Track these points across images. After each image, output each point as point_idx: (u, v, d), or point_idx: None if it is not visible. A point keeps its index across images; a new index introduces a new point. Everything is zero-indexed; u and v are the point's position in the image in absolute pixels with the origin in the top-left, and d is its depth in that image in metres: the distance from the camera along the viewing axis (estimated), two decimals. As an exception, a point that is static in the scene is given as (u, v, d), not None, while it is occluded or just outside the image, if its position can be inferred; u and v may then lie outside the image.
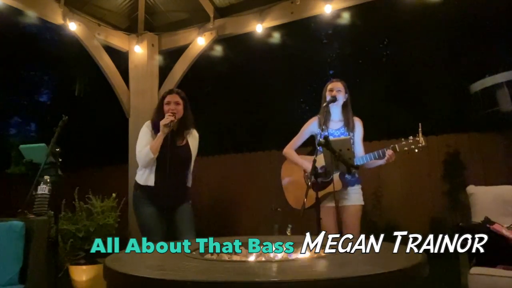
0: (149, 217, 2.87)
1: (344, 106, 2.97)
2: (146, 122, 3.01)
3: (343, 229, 2.89)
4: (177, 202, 2.93)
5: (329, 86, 2.96)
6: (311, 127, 3.08)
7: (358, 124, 2.98)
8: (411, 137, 2.73)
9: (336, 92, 2.91)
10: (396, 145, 2.74)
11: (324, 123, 2.91)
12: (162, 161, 2.83)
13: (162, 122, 2.79)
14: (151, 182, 2.87)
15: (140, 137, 2.95)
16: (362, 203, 2.92)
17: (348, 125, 2.93)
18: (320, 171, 2.71)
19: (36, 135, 12.63)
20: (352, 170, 2.49)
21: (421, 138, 2.69)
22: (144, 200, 2.89)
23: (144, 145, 2.88)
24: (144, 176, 2.90)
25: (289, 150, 3.12)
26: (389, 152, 2.74)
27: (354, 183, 2.90)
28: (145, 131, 2.95)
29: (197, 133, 3.09)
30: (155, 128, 2.91)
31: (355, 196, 2.89)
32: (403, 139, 2.75)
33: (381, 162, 2.84)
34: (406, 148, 2.73)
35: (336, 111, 2.97)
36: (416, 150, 2.71)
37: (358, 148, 2.93)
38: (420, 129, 2.69)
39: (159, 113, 2.91)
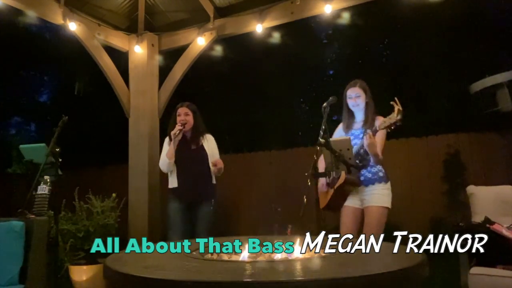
0: (172, 212, 3.37)
1: (366, 107, 2.92)
2: (166, 138, 3.50)
3: (363, 231, 2.79)
4: (199, 198, 3.36)
5: (348, 93, 2.93)
6: (338, 132, 3.07)
7: (378, 122, 2.87)
8: (387, 116, 2.59)
9: (356, 98, 2.89)
10: (377, 126, 2.62)
11: (348, 126, 2.95)
12: (180, 164, 3.37)
13: (172, 132, 3.32)
14: (175, 184, 3.38)
15: (162, 150, 3.49)
16: (385, 204, 2.77)
17: (366, 125, 2.87)
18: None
19: (36, 135, 12.63)
20: (351, 170, 2.48)
21: (396, 112, 2.50)
22: (172, 199, 3.40)
23: (163, 154, 3.44)
24: (171, 180, 3.42)
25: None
26: (366, 141, 2.62)
27: (374, 181, 2.79)
28: (165, 144, 3.48)
29: (212, 137, 3.54)
30: (171, 139, 3.40)
31: (375, 197, 2.78)
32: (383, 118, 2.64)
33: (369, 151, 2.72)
34: (383, 127, 2.56)
35: (359, 113, 2.95)
36: (392, 128, 2.53)
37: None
38: (393, 102, 2.52)
39: (173, 125, 3.40)
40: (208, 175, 3.40)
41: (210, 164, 3.34)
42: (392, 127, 2.56)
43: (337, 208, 2.85)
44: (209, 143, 3.47)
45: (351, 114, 2.97)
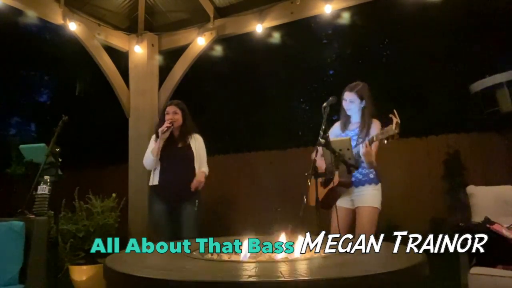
0: (157, 214, 3.29)
1: (363, 110, 2.92)
2: (152, 136, 3.47)
3: (355, 232, 2.83)
4: (181, 197, 3.25)
5: (343, 95, 2.95)
6: (334, 130, 3.08)
7: (374, 126, 2.90)
8: (383, 128, 2.59)
9: (349, 103, 2.92)
10: (373, 136, 2.63)
11: (345, 125, 2.97)
12: (165, 161, 3.30)
13: (159, 129, 3.27)
14: (156, 181, 3.31)
15: (148, 147, 3.43)
16: (375, 205, 2.79)
17: (363, 127, 2.89)
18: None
19: (36, 135, 12.63)
20: (352, 170, 2.48)
21: (394, 125, 2.49)
22: (154, 199, 3.32)
23: (148, 151, 3.38)
24: (152, 177, 3.36)
25: (314, 155, 3.14)
26: (363, 151, 2.64)
27: (364, 183, 2.82)
28: (151, 141, 3.44)
29: (201, 137, 3.48)
30: (158, 137, 3.33)
31: (367, 198, 2.80)
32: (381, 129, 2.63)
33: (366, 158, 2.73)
34: (380, 138, 2.57)
35: (356, 114, 2.97)
36: (389, 140, 2.52)
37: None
38: (391, 115, 2.51)
39: (161, 122, 3.36)
40: (191, 175, 3.29)
41: (196, 167, 3.29)
42: (389, 140, 2.56)
43: (329, 206, 2.86)
44: (197, 143, 3.41)
45: (347, 114, 2.99)
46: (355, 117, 2.98)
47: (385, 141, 2.57)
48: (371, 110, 2.91)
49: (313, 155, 2.74)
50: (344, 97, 2.96)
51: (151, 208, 3.36)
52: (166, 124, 3.25)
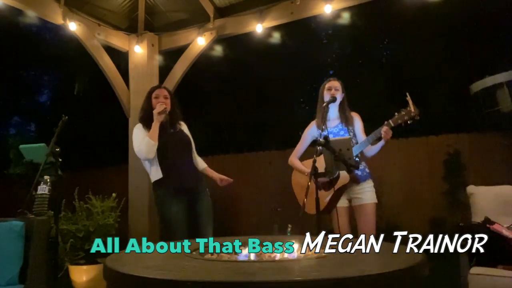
0: (173, 210, 2.89)
1: (341, 104, 2.99)
2: (136, 126, 3.08)
3: (358, 229, 2.85)
4: (193, 182, 3.01)
5: (327, 85, 3.00)
6: (311, 131, 3.10)
7: (356, 118, 2.99)
8: (402, 110, 2.64)
9: (335, 91, 2.94)
10: (390, 121, 2.67)
11: (323, 122, 2.93)
12: (162, 149, 2.91)
13: (155, 111, 2.90)
14: (159, 174, 2.91)
15: (134, 136, 3.01)
16: (376, 200, 2.88)
17: (346, 121, 2.95)
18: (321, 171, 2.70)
19: (36, 135, 12.62)
20: (352, 170, 2.48)
21: (412, 107, 2.57)
22: (163, 194, 2.93)
23: (141, 139, 2.92)
24: (153, 172, 2.95)
25: (293, 159, 3.12)
26: (384, 129, 2.67)
27: (365, 178, 2.87)
28: (137, 131, 3.03)
29: (185, 125, 3.21)
30: (146, 125, 2.98)
31: (368, 194, 2.85)
32: (396, 113, 2.66)
33: (381, 143, 2.78)
34: (400, 121, 2.64)
35: (333, 109, 2.99)
36: (410, 122, 2.60)
37: (360, 139, 2.92)
38: (408, 97, 2.59)
39: (148, 108, 3.03)
40: (193, 162, 3.10)
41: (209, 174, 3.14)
42: (409, 122, 2.58)
43: (331, 210, 2.82)
44: (185, 129, 3.16)
45: (326, 111, 2.96)
46: (333, 112, 3.00)
47: (402, 124, 2.61)
48: (347, 104, 3.01)
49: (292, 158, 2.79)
50: (328, 86, 2.97)
51: (162, 205, 2.94)
52: (162, 106, 2.92)
